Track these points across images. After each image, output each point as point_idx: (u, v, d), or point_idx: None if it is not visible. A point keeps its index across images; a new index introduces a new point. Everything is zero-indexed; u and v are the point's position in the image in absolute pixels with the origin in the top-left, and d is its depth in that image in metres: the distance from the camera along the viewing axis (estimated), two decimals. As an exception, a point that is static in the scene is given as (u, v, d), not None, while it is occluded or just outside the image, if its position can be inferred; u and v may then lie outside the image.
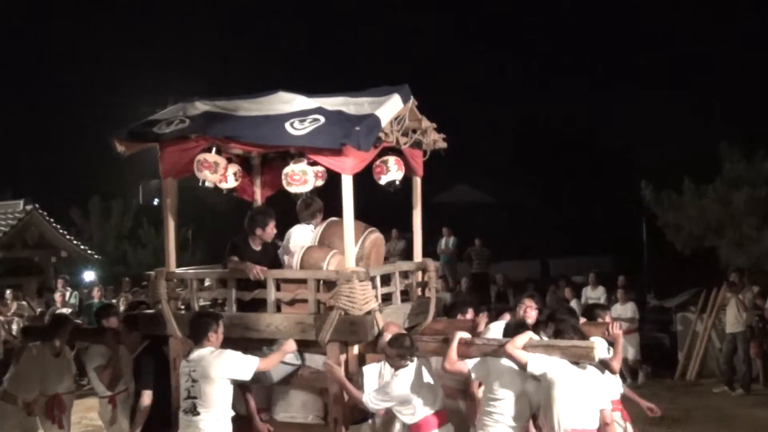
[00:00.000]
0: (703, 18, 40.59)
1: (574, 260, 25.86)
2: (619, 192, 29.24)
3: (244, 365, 5.77)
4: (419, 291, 7.32)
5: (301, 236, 6.82)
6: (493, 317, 7.04)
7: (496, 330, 6.32)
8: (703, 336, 13.66)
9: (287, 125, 6.08)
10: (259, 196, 7.67)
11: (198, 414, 5.67)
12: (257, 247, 6.76)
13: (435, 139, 7.05)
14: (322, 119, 6.07)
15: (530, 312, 6.66)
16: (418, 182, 7.37)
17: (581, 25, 48.72)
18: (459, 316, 7.12)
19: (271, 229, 6.77)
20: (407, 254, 18.09)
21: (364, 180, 6.39)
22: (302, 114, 6.20)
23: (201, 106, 6.68)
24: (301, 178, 6.26)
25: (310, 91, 6.71)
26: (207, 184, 6.58)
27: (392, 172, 6.70)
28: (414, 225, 7.51)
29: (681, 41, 41.41)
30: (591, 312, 7.12)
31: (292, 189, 6.33)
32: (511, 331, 5.92)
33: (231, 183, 7.11)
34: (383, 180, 6.74)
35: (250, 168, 7.62)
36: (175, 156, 6.43)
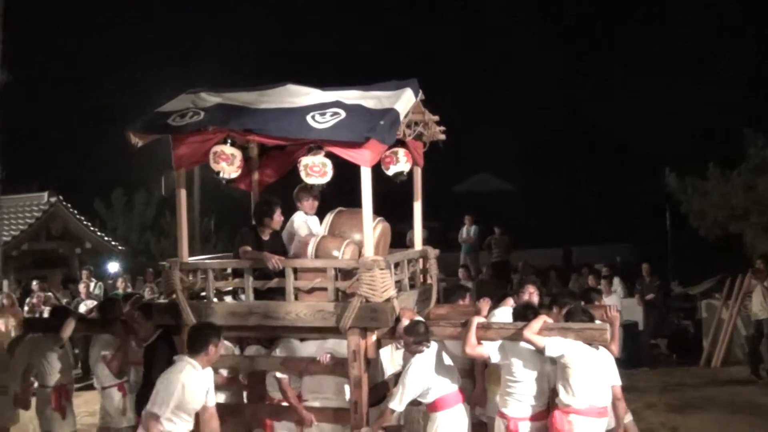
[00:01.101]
0: (726, 3, 40.02)
1: (598, 248, 25.74)
2: (642, 179, 29.06)
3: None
4: (421, 278, 7.57)
5: (314, 226, 7.04)
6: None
7: (500, 315, 6.66)
8: (729, 323, 13.53)
9: (309, 118, 6.17)
10: (256, 186, 7.74)
11: None
12: (266, 237, 6.85)
13: (435, 132, 7.18)
14: (343, 113, 6.18)
15: (533, 297, 6.96)
16: (419, 172, 7.56)
17: (603, 9, 48.32)
18: (460, 302, 7.43)
19: (278, 218, 6.87)
20: (427, 243, 18.21)
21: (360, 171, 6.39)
22: (321, 107, 6.30)
23: (211, 98, 6.73)
24: (320, 170, 6.30)
25: (318, 84, 6.80)
26: (224, 175, 6.64)
27: (401, 163, 6.84)
28: (414, 214, 7.71)
29: (704, 27, 40.89)
30: (587, 295, 7.61)
31: (311, 180, 6.36)
32: (520, 314, 6.24)
33: (233, 173, 6.99)
34: (391, 170, 6.86)
35: (248, 158, 7.63)
36: (189, 147, 6.46)
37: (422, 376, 6.00)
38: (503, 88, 44.12)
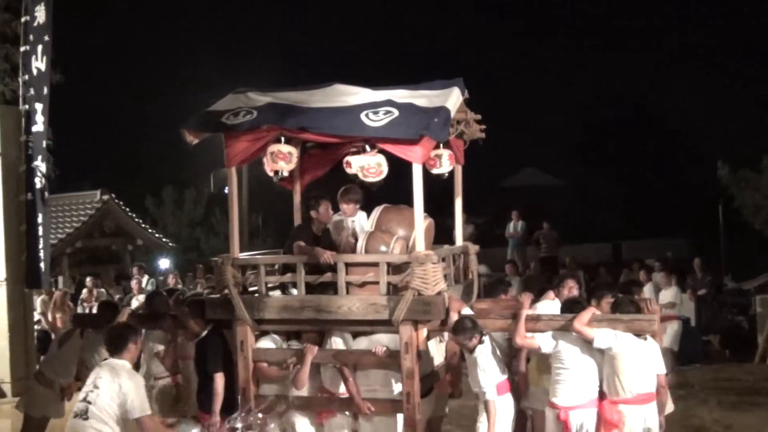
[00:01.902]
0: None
1: (648, 243, 25.35)
2: (693, 172, 28.53)
3: (139, 402, 5.61)
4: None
5: (362, 221, 7.23)
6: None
7: (543, 308, 6.89)
8: (784, 319, 13.25)
9: (363, 116, 6.33)
10: (297, 184, 7.82)
11: (87, 419, 5.62)
12: (318, 232, 7.02)
13: (475, 130, 7.25)
14: (396, 111, 6.32)
15: (573, 291, 7.21)
16: (459, 170, 7.68)
17: (651, 3, 47.40)
18: (502, 296, 7.67)
19: (324, 211, 7.03)
20: (475, 239, 18.15)
21: (402, 168, 6.50)
22: (374, 106, 6.44)
23: (261, 98, 6.85)
24: (377, 169, 6.46)
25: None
26: (282, 174, 6.74)
27: (444, 166, 6.92)
28: (456, 211, 7.81)
29: (755, 14, 39.88)
30: (628, 288, 8.28)
31: (369, 180, 6.52)
32: (567, 307, 6.55)
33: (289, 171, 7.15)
34: (434, 172, 6.96)
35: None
36: (242, 145, 6.58)
37: (492, 362, 6.24)
38: (551, 82, 43.72)
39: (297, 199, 7.75)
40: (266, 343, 6.77)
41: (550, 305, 7.01)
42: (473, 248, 7.82)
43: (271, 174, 6.88)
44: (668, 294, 12.79)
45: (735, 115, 31.65)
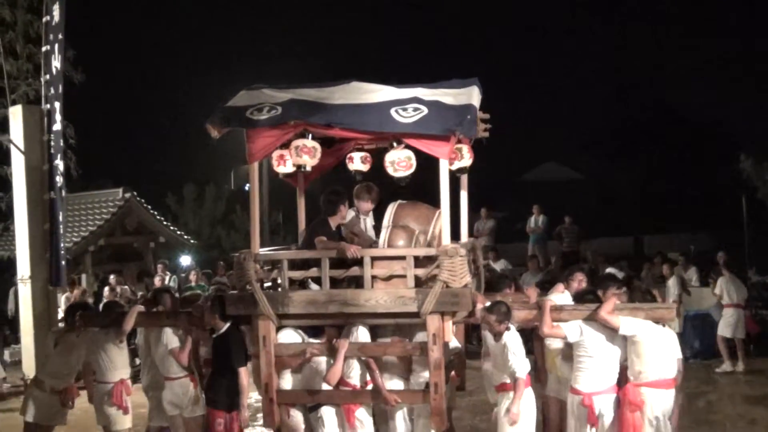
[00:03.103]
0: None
1: (670, 237, 25.13)
2: (716, 165, 28.26)
3: None
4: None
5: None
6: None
7: (556, 300, 7.06)
8: (810, 313, 13.10)
9: (393, 112, 6.43)
10: (302, 181, 7.89)
11: None
12: (335, 228, 7.11)
13: (479, 129, 7.27)
14: (425, 109, 6.44)
15: (582, 284, 7.46)
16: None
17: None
18: (506, 291, 7.74)
19: (344, 209, 7.15)
20: (496, 233, 18.12)
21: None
22: (401, 103, 6.54)
23: (281, 94, 6.90)
24: (407, 163, 6.57)
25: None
26: (307, 168, 6.83)
27: (465, 159, 7.07)
28: (461, 206, 7.83)
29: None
30: (630, 281, 8.78)
31: (398, 174, 6.61)
32: (581, 298, 6.87)
33: (289, 168, 7.24)
34: (455, 166, 7.05)
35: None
36: (265, 141, 6.65)
37: (521, 348, 6.50)
38: (571, 76, 43.48)
39: (301, 194, 7.95)
40: (288, 336, 6.82)
41: (560, 298, 7.23)
42: (479, 243, 7.95)
43: (277, 169, 7.03)
44: (718, 287, 12.65)
45: (757, 107, 31.25)
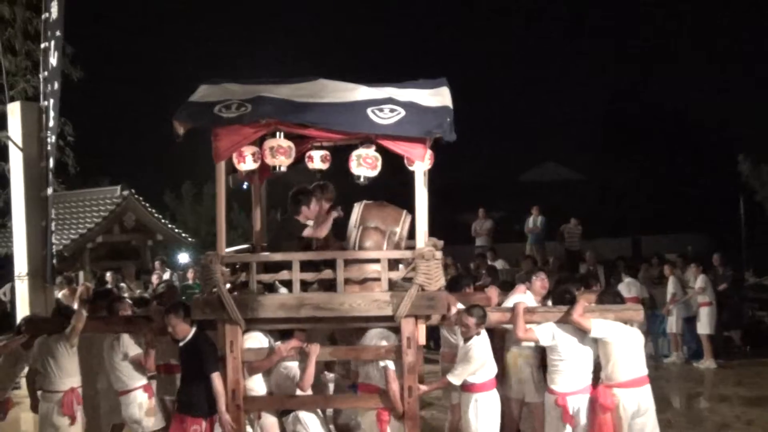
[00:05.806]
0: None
1: (668, 238, 25.14)
2: (714, 166, 28.26)
3: None
4: None
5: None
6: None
7: (516, 300, 7.03)
8: (807, 314, 13.11)
9: (369, 113, 6.28)
10: (257, 180, 7.75)
11: None
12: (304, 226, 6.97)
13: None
14: (401, 110, 6.30)
15: (545, 283, 7.57)
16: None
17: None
18: (465, 290, 7.75)
19: (314, 207, 7.04)
20: (494, 233, 18.11)
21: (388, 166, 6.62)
22: (376, 103, 6.39)
23: (246, 89, 6.69)
24: (373, 162, 6.47)
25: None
26: (282, 168, 6.68)
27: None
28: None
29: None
30: (587, 281, 8.69)
31: (361, 171, 6.46)
32: (559, 298, 6.90)
33: (250, 165, 6.76)
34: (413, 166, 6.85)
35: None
36: (234, 139, 6.41)
37: (484, 356, 6.51)
38: (570, 75, 43.48)
39: (256, 193, 7.83)
40: (254, 341, 6.57)
41: (521, 298, 7.18)
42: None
43: (238, 166, 6.72)
44: (699, 281, 12.81)
45: (756, 109, 31.26)
